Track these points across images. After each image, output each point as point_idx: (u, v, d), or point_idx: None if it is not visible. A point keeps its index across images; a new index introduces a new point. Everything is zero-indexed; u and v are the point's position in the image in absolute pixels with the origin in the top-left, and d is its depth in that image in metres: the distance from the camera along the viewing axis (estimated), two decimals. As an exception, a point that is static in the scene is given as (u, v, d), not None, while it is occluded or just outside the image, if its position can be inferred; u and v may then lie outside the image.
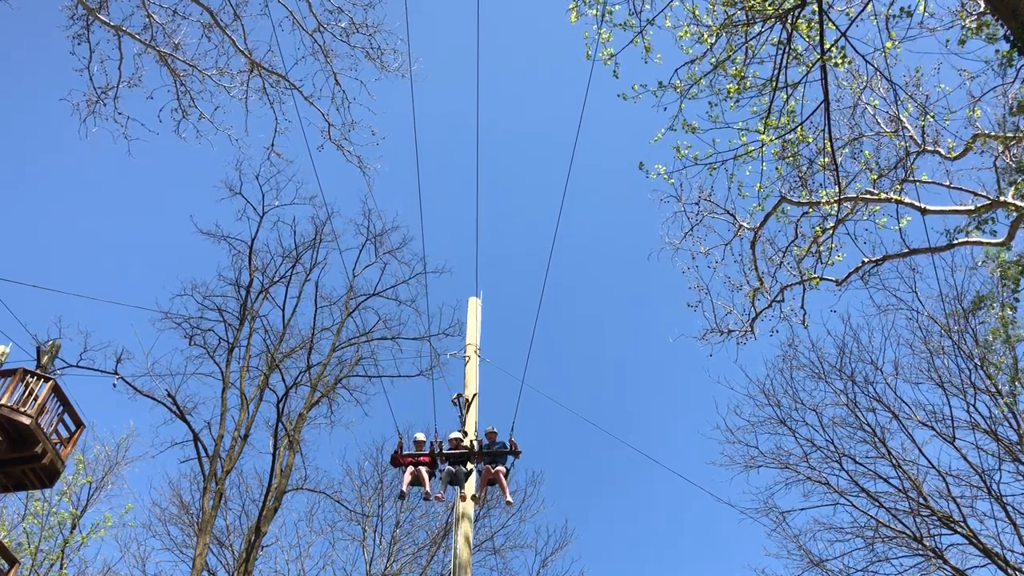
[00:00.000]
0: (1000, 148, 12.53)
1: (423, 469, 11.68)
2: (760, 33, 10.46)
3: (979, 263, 14.08)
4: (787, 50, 10.01)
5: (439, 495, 11.77)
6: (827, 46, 9.35)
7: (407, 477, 11.73)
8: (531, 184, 57.47)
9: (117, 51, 13.61)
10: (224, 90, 14.21)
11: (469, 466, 11.72)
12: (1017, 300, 13.50)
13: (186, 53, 13.88)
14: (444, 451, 11.74)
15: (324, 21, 13.89)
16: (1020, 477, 18.79)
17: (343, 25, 14.01)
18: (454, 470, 11.59)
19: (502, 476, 11.54)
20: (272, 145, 14.96)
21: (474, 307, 14.59)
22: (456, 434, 11.93)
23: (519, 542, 28.04)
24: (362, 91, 14.87)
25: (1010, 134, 12.23)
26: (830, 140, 9.33)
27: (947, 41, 11.09)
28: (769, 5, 10.05)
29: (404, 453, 11.95)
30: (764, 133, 11.09)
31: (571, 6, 10.56)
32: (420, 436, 12.17)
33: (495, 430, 11.95)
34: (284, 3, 13.54)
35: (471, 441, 11.83)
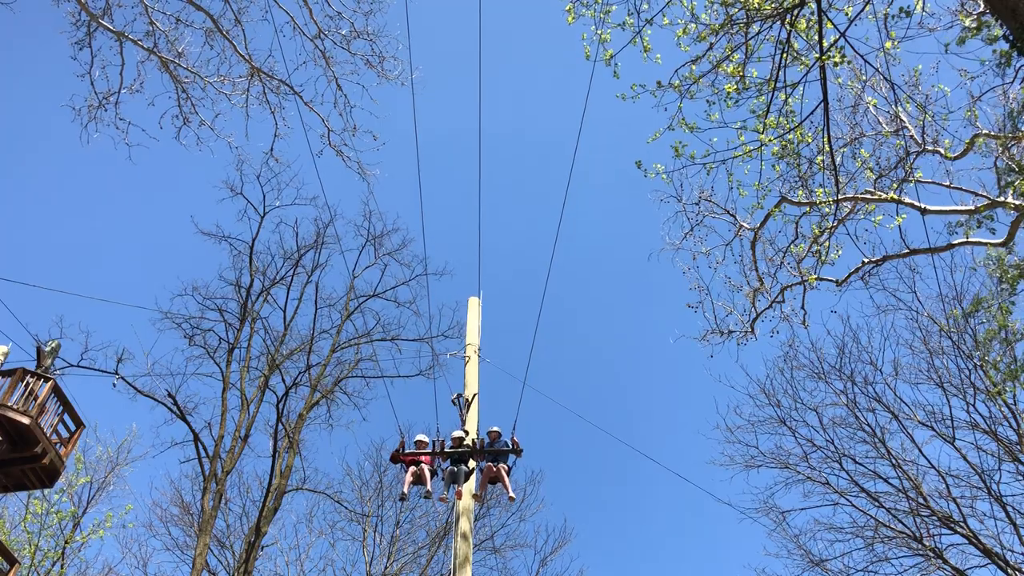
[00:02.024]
0: (1000, 148, 12.53)
1: (425, 468, 11.65)
2: (759, 32, 10.45)
3: (979, 263, 14.12)
4: (786, 49, 10.01)
5: (443, 496, 11.75)
6: (826, 46, 9.36)
7: (408, 477, 11.68)
8: (531, 183, 57.53)
9: (119, 57, 13.65)
10: (225, 97, 14.26)
11: (471, 464, 11.70)
12: (1014, 303, 13.55)
13: (188, 60, 13.93)
14: (445, 449, 11.70)
15: (325, 27, 13.91)
16: (1020, 477, 18.79)
17: (344, 32, 14.02)
18: (455, 469, 11.57)
19: (504, 473, 11.54)
20: (271, 150, 15.03)
21: (474, 307, 14.56)
22: (458, 432, 11.90)
23: (519, 541, 28.09)
24: (363, 96, 14.91)
25: (1010, 134, 12.23)
26: (829, 140, 9.33)
27: (946, 45, 11.09)
28: (768, 4, 10.04)
29: (405, 452, 11.90)
30: (763, 133, 11.08)
31: (568, 7, 10.55)
32: (422, 437, 12.10)
33: (498, 429, 11.91)
34: (285, 9, 13.56)
35: (472, 440, 11.81)
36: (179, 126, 14.27)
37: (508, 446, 11.65)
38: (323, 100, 14.60)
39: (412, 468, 11.71)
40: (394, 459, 11.99)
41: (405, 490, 11.75)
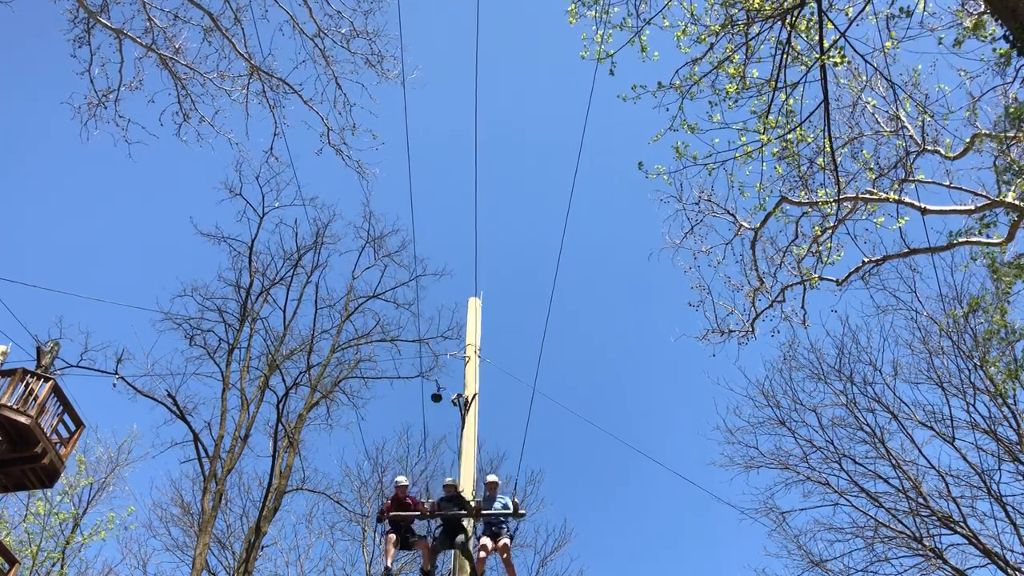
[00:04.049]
0: (1000, 148, 12.52)
1: (410, 538, 10.84)
2: (760, 33, 10.46)
3: (974, 260, 14.14)
4: (787, 50, 10.02)
5: (427, 568, 10.69)
6: (826, 46, 9.37)
7: (390, 548, 10.83)
8: (530, 183, 57.53)
9: (118, 54, 13.65)
10: (225, 93, 14.26)
11: (466, 523, 10.68)
12: (1009, 302, 13.57)
13: (187, 57, 13.93)
14: (437, 511, 10.70)
15: (324, 26, 13.91)
16: (1020, 477, 18.78)
17: (343, 31, 14.02)
18: (449, 540, 10.55)
19: (508, 553, 10.34)
20: (271, 149, 15.02)
21: (474, 307, 14.54)
22: (450, 480, 10.90)
23: (519, 541, 28.08)
24: (363, 95, 14.95)
25: (1009, 134, 12.22)
26: (829, 140, 9.34)
27: (940, 40, 11.07)
28: (768, 4, 10.05)
29: (391, 513, 10.90)
30: (764, 133, 11.09)
31: (570, 8, 10.57)
32: (402, 480, 11.31)
33: (496, 480, 11.01)
34: (285, 8, 13.56)
35: (470, 503, 10.66)
36: (179, 123, 14.29)
37: (508, 508, 10.67)
38: (323, 99, 14.58)
39: (390, 535, 10.84)
40: (380, 519, 11.04)
41: (389, 563, 10.90)
